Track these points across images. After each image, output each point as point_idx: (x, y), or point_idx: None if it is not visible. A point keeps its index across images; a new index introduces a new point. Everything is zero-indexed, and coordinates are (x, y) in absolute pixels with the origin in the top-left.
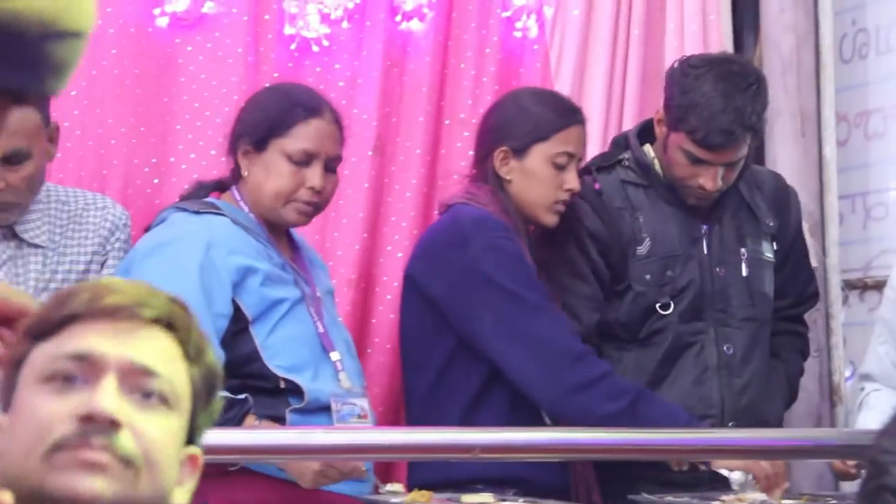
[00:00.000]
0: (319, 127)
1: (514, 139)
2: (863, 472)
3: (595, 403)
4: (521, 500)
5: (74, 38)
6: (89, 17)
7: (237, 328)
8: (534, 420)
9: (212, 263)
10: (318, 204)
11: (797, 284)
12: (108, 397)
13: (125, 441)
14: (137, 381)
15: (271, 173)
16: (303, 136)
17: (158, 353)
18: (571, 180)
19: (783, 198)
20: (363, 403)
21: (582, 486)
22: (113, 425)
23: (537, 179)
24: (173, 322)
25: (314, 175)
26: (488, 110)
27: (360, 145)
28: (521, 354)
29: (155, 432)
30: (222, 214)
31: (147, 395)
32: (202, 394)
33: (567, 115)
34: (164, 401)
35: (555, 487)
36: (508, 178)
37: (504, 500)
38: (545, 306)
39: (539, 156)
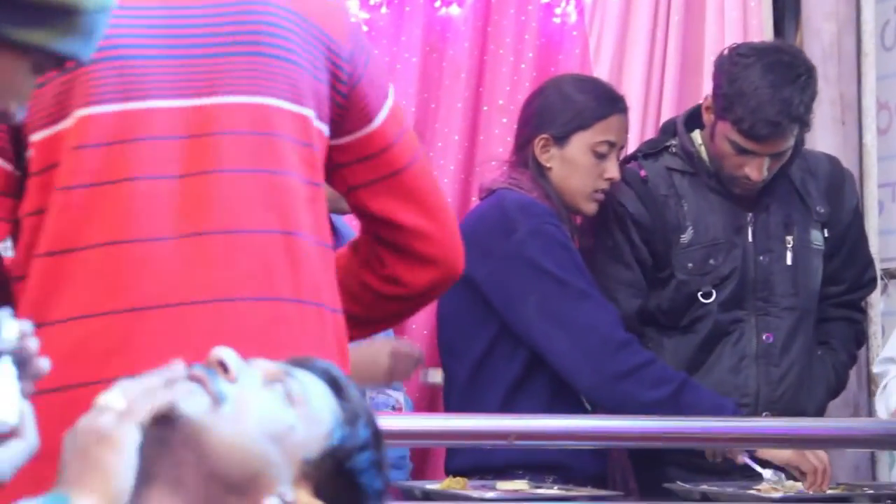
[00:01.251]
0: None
1: (556, 127)
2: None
3: (638, 391)
4: (556, 486)
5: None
6: None
7: None
8: (574, 408)
9: None
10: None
11: (853, 270)
12: None
13: None
14: None
15: (575, 166)
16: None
17: None
18: (612, 169)
19: (838, 183)
20: (398, 396)
21: (618, 473)
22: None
23: (577, 168)
24: None
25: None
26: (530, 96)
27: None
28: (564, 341)
29: None
30: None
31: None
32: None
33: (609, 103)
34: None
35: (593, 474)
36: (549, 165)
37: (539, 487)
38: (591, 293)
39: (580, 144)
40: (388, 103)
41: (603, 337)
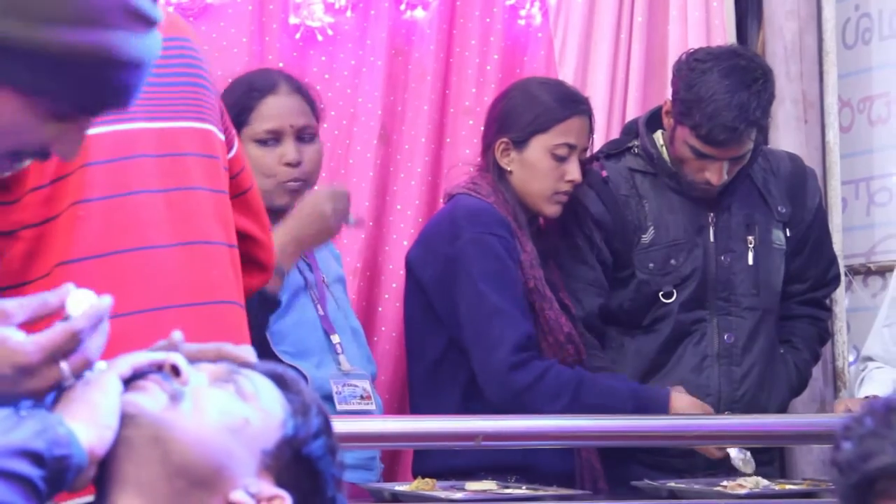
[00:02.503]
0: (277, 103)
1: (515, 130)
2: None
3: (540, 404)
4: (524, 486)
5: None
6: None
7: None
8: None
9: None
10: (303, 179)
11: (816, 268)
12: None
13: None
14: None
15: (250, 162)
16: (264, 117)
17: None
18: (573, 171)
19: (799, 181)
20: (365, 385)
21: (587, 473)
22: None
23: (537, 171)
24: None
25: (288, 150)
26: (494, 100)
27: (366, 134)
28: (477, 354)
29: None
30: None
31: None
32: None
33: (569, 105)
34: None
35: (559, 474)
36: (509, 168)
37: (507, 487)
38: (503, 309)
39: (539, 147)
40: (234, 130)
41: (501, 356)
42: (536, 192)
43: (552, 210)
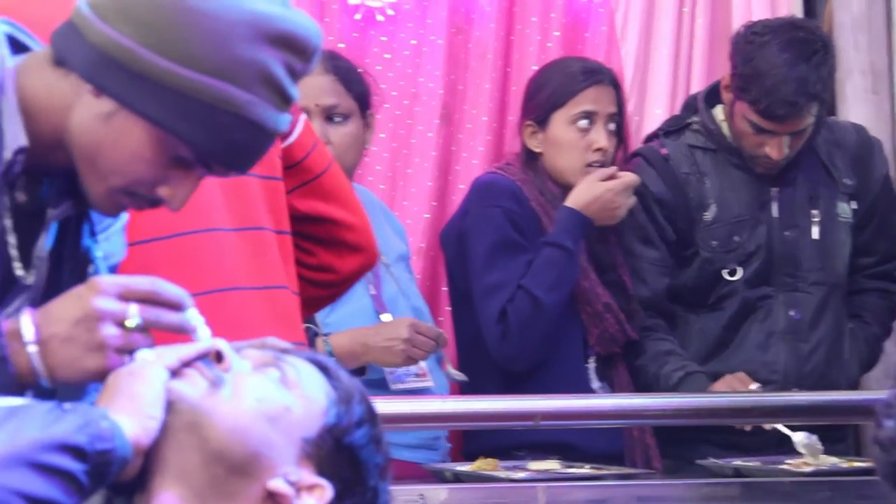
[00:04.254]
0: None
1: (536, 111)
2: None
3: (532, 344)
4: (586, 466)
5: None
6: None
7: None
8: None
9: None
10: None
11: (885, 240)
12: None
13: None
14: None
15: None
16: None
17: None
18: (599, 139)
19: (865, 153)
20: (421, 362)
21: (640, 452)
22: None
23: (563, 146)
24: None
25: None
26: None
27: (428, 114)
28: (483, 334)
29: None
30: None
31: None
32: None
33: (583, 77)
34: None
35: (604, 454)
36: (539, 150)
37: (571, 466)
38: (501, 283)
39: (559, 122)
40: (301, 117)
41: (491, 329)
42: (567, 167)
43: None
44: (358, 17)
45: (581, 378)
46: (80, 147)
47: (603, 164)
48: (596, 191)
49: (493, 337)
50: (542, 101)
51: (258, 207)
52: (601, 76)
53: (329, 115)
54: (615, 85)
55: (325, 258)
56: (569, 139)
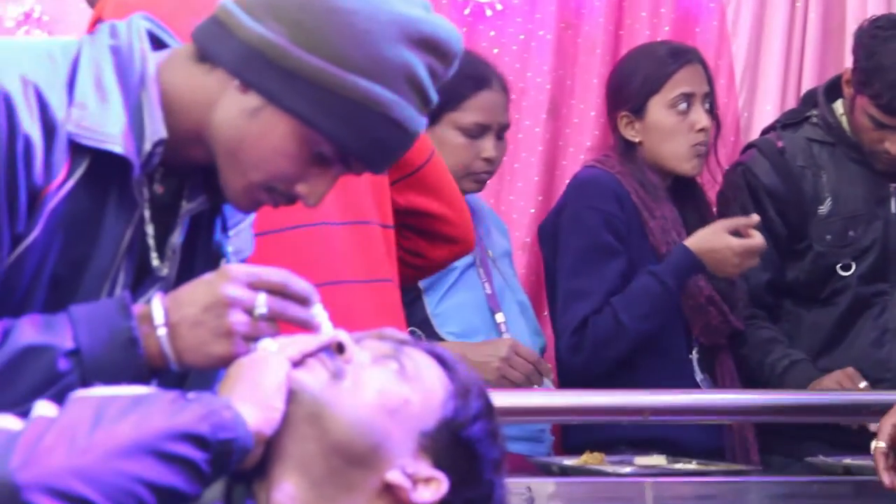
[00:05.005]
0: (490, 98)
1: (630, 101)
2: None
3: (604, 363)
4: (693, 462)
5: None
6: None
7: (410, 297)
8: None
9: None
10: (491, 172)
11: None
12: None
13: None
14: None
15: (446, 147)
16: (475, 109)
17: None
18: (700, 119)
19: None
20: None
21: (739, 447)
22: None
23: (664, 131)
24: None
25: (488, 146)
26: (606, 82)
27: (535, 108)
28: (555, 337)
29: None
30: None
31: None
32: None
33: (673, 59)
34: None
35: (703, 449)
36: (638, 140)
37: (677, 462)
38: (583, 290)
39: (657, 108)
40: None
41: (565, 340)
42: (671, 153)
43: (692, 166)
44: (467, 11)
45: (685, 369)
46: (222, 141)
47: (705, 146)
48: (718, 242)
49: (566, 346)
50: (636, 89)
51: (366, 202)
52: (690, 56)
53: (500, 133)
54: (703, 64)
55: (418, 244)
56: (670, 124)
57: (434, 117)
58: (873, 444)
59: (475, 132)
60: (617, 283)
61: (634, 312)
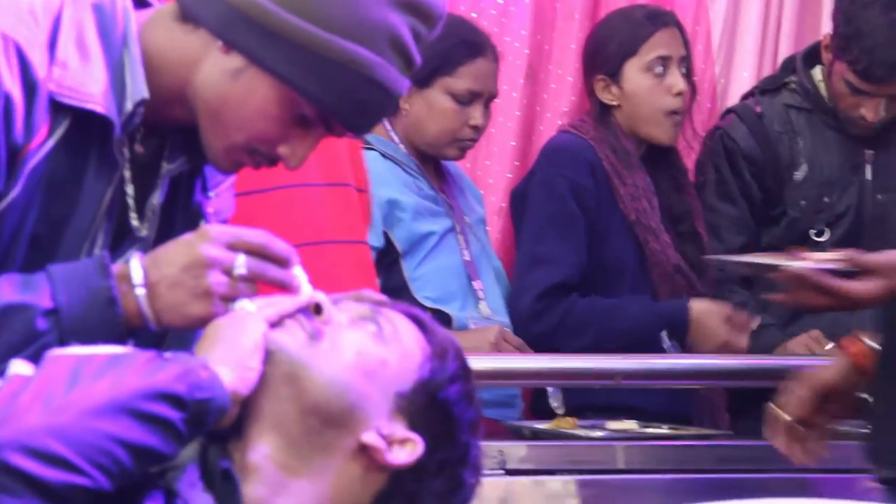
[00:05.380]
0: (484, 66)
1: (606, 64)
2: None
3: (566, 343)
4: (665, 426)
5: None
6: None
7: (388, 260)
8: None
9: None
10: (475, 140)
11: None
12: None
13: None
14: None
15: (436, 112)
16: (469, 76)
17: None
18: (677, 83)
19: None
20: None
21: (708, 413)
22: None
23: (641, 94)
24: None
25: (477, 114)
26: (583, 46)
27: (512, 73)
28: (509, 299)
29: None
30: (372, 148)
31: None
32: None
33: (648, 23)
34: None
35: (672, 416)
36: (615, 104)
37: (648, 427)
38: (549, 257)
39: (633, 71)
40: None
41: (525, 304)
42: (648, 116)
43: (666, 133)
44: None
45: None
46: (204, 102)
47: (681, 111)
48: (713, 328)
49: (528, 310)
50: (612, 51)
51: (344, 164)
52: (667, 19)
53: (488, 102)
54: (680, 28)
55: None
56: (647, 87)
57: (426, 81)
58: (772, 409)
59: (466, 99)
60: (581, 252)
61: (615, 325)
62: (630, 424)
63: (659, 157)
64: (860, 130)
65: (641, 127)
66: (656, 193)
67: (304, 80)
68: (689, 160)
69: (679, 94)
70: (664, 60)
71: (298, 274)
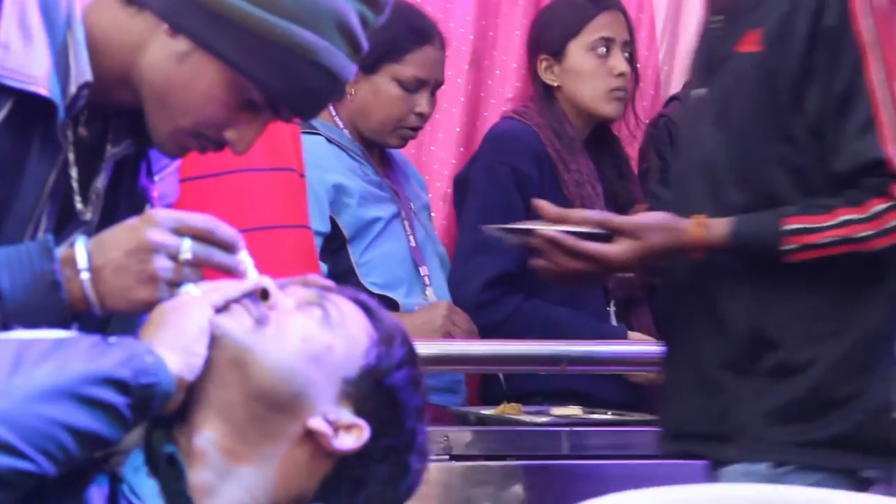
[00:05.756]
0: (431, 54)
1: (549, 44)
2: None
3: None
4: (609, 412)
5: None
6: None
7: (334, 246)
8: None
9: (308, 182)
10: (419, 128)
11: None
12: None
13: None
14: None
15: (382, 98)
16: (416, 63)
17: None
18: (619, 64)
19: None
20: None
21: (654, 400)
22: None
23: (584, 74)
24: None
25: (423, 102)
26: (528, 30)
27: (458, 59)
28: (452, 287)
29: None
30: (317, 133)
31: None
32: None
33: (592, 5)
34: None
35: (620, 402)
36: (556, 84)
37: (593, 413)
38: (490, 246)
39: (576, 51)
40: None
41: (471, 293)
42: (589, 94)
43: (612, 109)
44: None
45: (602, 322)
46: (150, 86)
47: (624, 90)
48: None
49: (474, 300)
50: (556, 32)
51: (287, 149)
52: (611, 2)
53: (434, 90)
54: (624, 13)
55: None
56: (589, 67)
57: (373, 67)
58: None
59: (413, 86)
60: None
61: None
62: (574, 410)
63: (601, 144)
64: None
65: (585, 104)
66: (599, 180)
67: (252, 64)
68: (633, 149)
69: (621, 74)
70: (607, 42)
71: (244, 259)
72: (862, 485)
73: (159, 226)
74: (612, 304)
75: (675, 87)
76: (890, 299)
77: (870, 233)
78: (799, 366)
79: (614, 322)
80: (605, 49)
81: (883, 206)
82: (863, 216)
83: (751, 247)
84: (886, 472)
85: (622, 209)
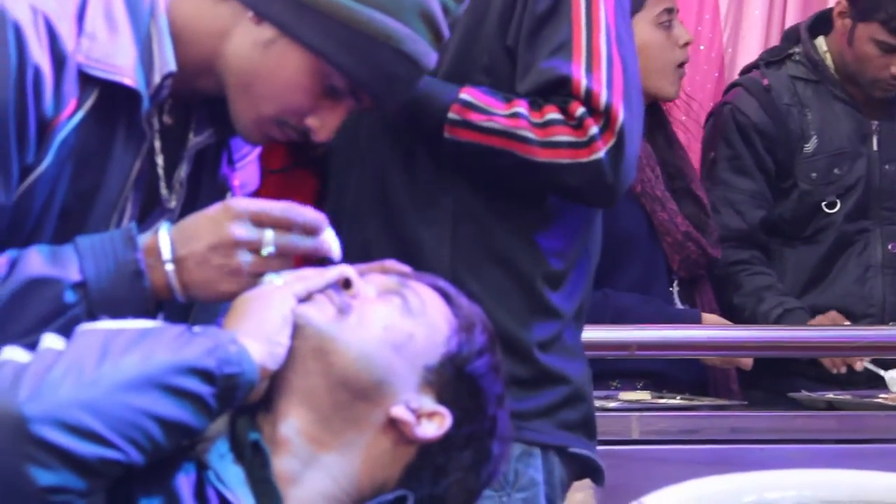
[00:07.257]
0: None
1: None
2: None
3: None
4: (678, 396)
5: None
6: None
7: None
8: None
9: None
10: None
11: None
12: None
13: None
14: None
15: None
16: None
17: None
18: (683, 34)
19: None
20: None
21: (721, 381)
22: None
23: (652, 49)
24: None
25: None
26: None
27: None
28: None
29: None
30: None
31: None
32: None
33: None
34: None
35: (687, 382)
36: None
37: (661, 397)
38: None
39: (643, 26)
40: None
41: None
42: (659, 69)
43: (672, 90)
44: None
45: (666, 302)
46: (234, 74)
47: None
48: None
49: None
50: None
51: None
52: None
53: None
54: None
55: None
56: (657, 40)
57: None
58: None
59: (666, 23)
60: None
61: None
62: (642, 395)
63: (653, 122)
64: (884, 92)
65: (651, 82)
66: (658, 163)
67: (336, 51)
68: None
69: (686, 44)
70: (669, 13)
71: (328, 238)
72: None
73: (240, 218)
74: (675, 283)
75: (740, 67)
76: None
77: (534, 137)
78: None
79: (678, 302)
80: (667, 21)
81: (558, 116)
82: (535, 120)
83: (422, 104)
84: None
85: (672, 178)
